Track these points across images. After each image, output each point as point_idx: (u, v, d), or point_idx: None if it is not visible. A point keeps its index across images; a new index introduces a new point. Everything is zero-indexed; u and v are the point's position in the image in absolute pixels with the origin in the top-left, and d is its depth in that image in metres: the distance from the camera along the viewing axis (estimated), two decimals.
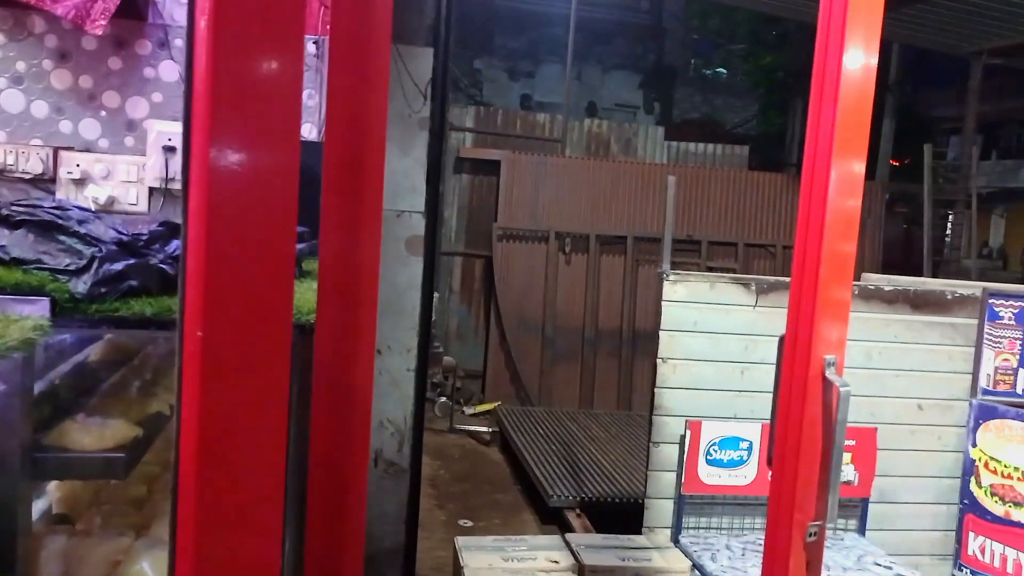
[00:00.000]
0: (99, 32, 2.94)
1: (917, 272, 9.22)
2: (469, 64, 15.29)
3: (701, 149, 10.62)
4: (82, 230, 2.00)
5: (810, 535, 1.75)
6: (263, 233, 1.13)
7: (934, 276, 9.13)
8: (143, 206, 3.26)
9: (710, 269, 8.72)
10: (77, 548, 2.02)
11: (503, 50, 16.42)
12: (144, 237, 2.13)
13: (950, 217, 12.17)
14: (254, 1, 1.11)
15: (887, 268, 9.89)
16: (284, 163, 1.13)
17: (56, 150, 3.16)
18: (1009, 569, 3.27)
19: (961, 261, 10.26)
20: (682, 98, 17.54)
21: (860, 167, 1.68)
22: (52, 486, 2.27)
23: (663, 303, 3.72)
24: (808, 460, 1.70)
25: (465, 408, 8.50)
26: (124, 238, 2.04)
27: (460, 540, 3.73)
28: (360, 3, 1.49)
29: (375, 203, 1.52)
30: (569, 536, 3.87)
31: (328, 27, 3.30)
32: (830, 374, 1.67)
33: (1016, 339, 3.53)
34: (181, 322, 1.15)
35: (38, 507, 2.18)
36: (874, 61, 1.63)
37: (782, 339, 1.82)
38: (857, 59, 1.61)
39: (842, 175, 1.66)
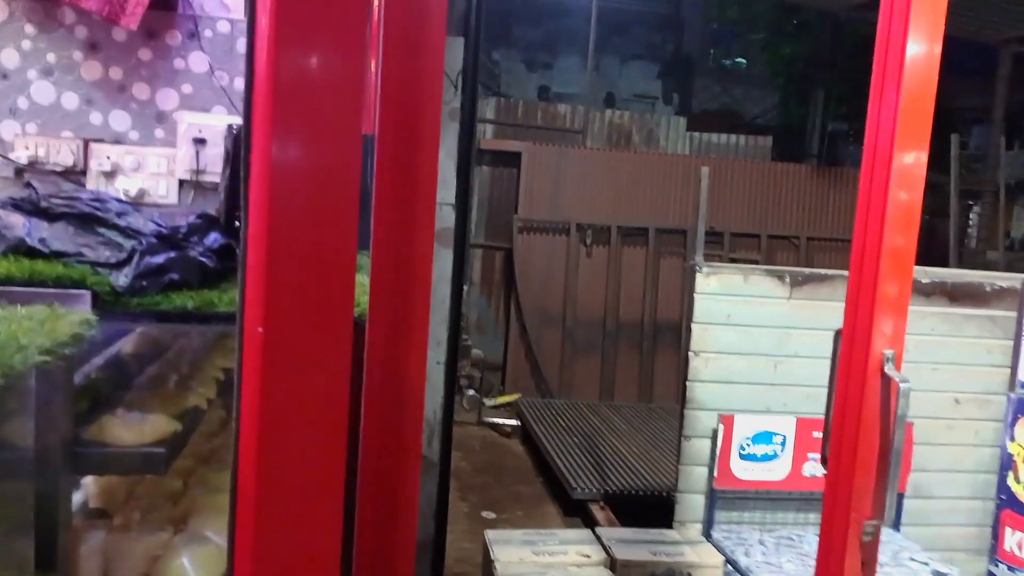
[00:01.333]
0: (134, 28, 2.92)
1: (943, 264, 9.12)
2: (488, 55, 15.23)
3: (724, 140, 10.55)
4: (122, 223, 1.98)
5: (866, 534, 1.71)
6: (325, 229, 1.10)
7: (960, 268, 9.04)
8: (173, 198, 3.23)
9: (732, 261, 8.67)
10: (117, 543, 2.01)
11: (521, 41, 16.35)
12: (183, 230, 2.11)
13: (974, 208, 12.03)
14: None
15: (916, 260, 9.80)
16: (346, 158, 1.10)
17: (87, 142, 3.14)
18: None
19: (987, 253, 10.15)
20: (701, 88, 17.42)
21: (922, 158, 1.63)
22: (89, 480, 2.25)
23: (695, 296, 3.68)
24: (865, 458, 1.66)
25: (485, 400, 8.48)
26: (164, 231, 2.02)
27: (490, 534, 3.71)
28: None
29: (429, 197, 1.49)
30: (599, 530, 3.84)
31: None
32: (889, 369, 1.63)
33: None
34: (241, 318, 1.13)
35: (75, 501, 2.17)
36: (938, 48, 1.58)
37: (838, 333, 1.78)
38: (921, 46, 1.56)
39: (904, 167, 1.62)
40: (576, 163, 8.82)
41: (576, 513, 5.89)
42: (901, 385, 1.63)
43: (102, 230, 1.97)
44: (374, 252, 1.46)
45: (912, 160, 1.60)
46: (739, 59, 17.56)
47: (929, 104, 1.59)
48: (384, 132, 1.44)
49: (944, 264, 9.38)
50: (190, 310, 1.88)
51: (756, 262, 8.78)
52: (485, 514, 5.98)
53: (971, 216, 13.25)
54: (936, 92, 1.64)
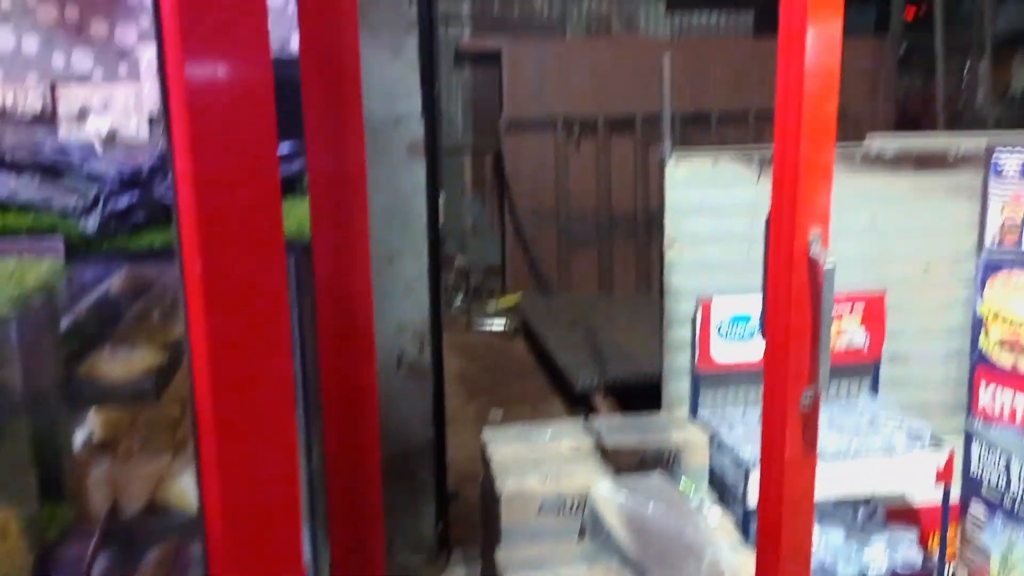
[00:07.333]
0: None
1: (935, 125, 9.07)
2: None
3: (704, 20, 10.34)
4: (85, 169, 2.05)
5: (805, 403, 1.81)
6: (246, 152, 1.13)
7: (950, 128, 8.97)
8: (144, 135, 3.28)
9: (721, 142, 8.63)
10: (120, 471, 2.15)
11: None
12: (145, 171, 2.18)
13: (967, 65, 11.81)
14: None
15: (904, 124, 9.73)
16: (257, 73, 1.10)
17: (53, 85, 3.17)
18: (1018, 418, 3.37)
19: (981, 110, 10.06)
20: None
21: (836, 24, 1.68)
22: (92, 416, 2.39)
23: (666, 185, 3.74)
24: (799, 332, 1.75)
25: (488, 303, 8.63)
26: (126, 174, 2.09)
27: (486, 433, 3.87)
28: None
29: (355, 109, 1.56)
30: (591, 419, 4.01)
31: None
32: (815, 252, 1.71)
33: (1021, 193, 3.52)
34: (179, 256, 1.21)
35: (80, 439, 2.32)
36: None
37: (767, 219, 1.86)
38: None
39: (818, 33, 1.67)
40: (557, 56, 8.72)
41: (580, 404, 6.08)
42: (825, 266, 1.71)
43: (67, 179, 2.05)
44: (310, 172, 1.54)
45: (826, 25, 1.65)
46: None
47: None
48: (306, 49, 1.50)
49: (934, 127, 9.31)
50: (158, 249, 1.98)
51: (746, 142, 8.75)
52: (492, 414, 6.18)
53: (964, 74, 13.01)
54: None
